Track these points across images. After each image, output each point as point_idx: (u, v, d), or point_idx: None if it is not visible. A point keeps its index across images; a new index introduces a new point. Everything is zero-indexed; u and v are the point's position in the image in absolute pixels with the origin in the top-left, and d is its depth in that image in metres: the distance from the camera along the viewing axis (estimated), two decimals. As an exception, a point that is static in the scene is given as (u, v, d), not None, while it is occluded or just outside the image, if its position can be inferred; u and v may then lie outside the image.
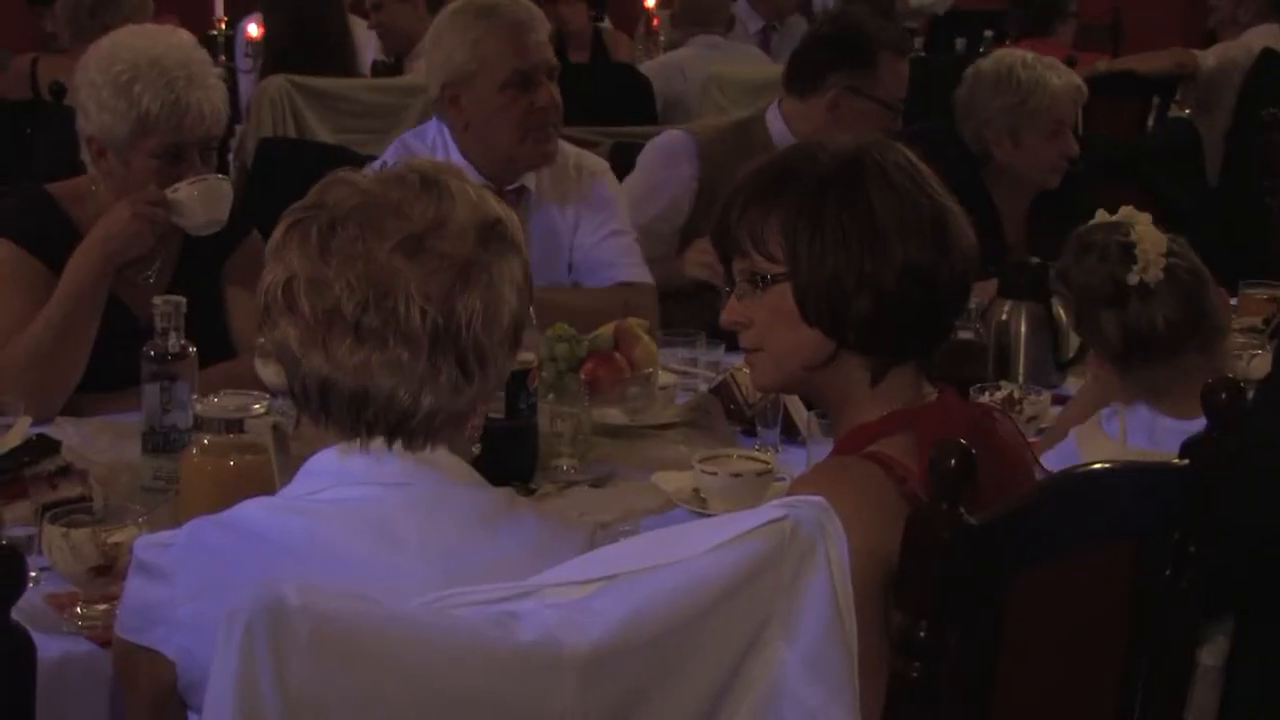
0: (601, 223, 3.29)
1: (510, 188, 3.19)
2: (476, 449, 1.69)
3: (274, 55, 5.24)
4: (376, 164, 3.03)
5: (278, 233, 1.64)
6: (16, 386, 2.51)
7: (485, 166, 3.15)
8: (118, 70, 2.67)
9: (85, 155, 2.76)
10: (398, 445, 1.61)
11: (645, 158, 3.67)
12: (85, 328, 2.66)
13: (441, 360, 1.58)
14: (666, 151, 3.63)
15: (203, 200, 2.72)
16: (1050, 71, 3.70)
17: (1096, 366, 2.52)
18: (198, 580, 1.57)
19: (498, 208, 1.66)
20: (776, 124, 3.62)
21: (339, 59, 5.20)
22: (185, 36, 2.79)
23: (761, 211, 1.91)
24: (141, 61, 2.67)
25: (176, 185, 2.71)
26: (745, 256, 1.93)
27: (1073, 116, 3.75)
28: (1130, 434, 2.38)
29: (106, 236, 2.68)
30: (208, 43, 4.52)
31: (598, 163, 3.39)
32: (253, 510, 1.61)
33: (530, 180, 3.24)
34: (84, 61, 2.75)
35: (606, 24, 7.56)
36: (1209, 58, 5.94)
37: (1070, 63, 4.30)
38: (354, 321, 1.57)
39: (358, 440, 1.61)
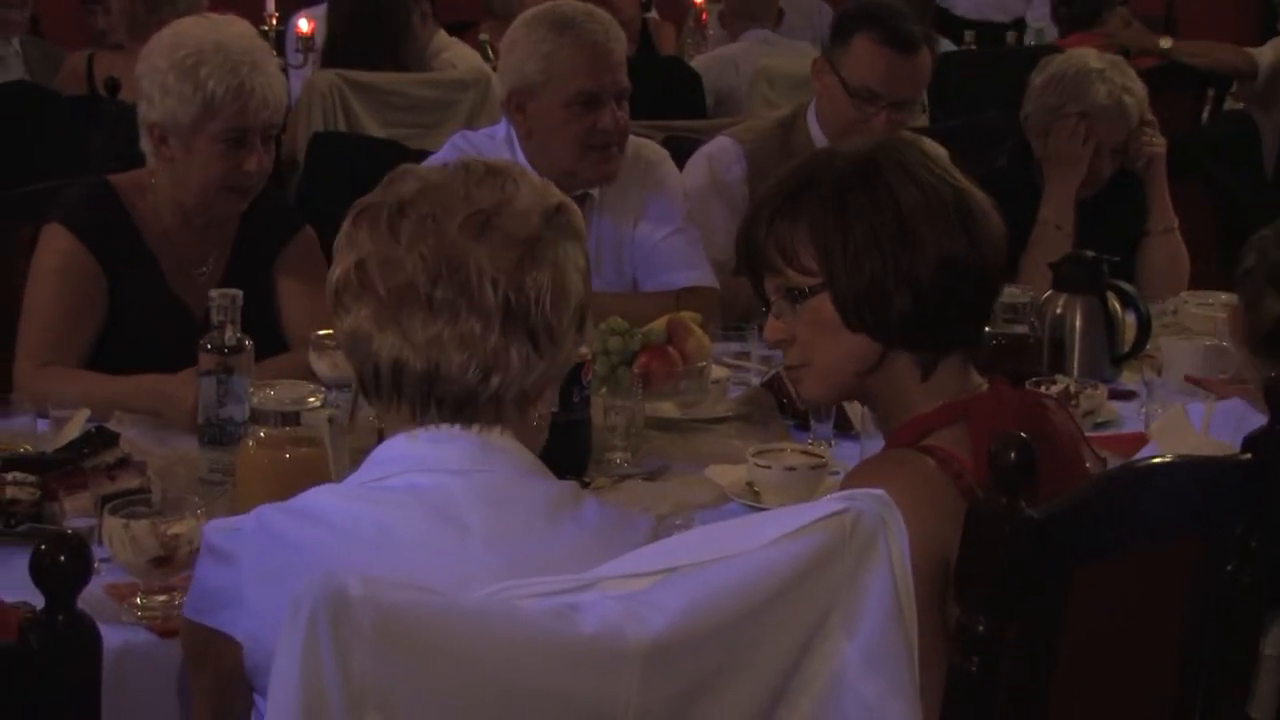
0: (663, 219, 3.26)
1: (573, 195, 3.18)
2: (544, 436, 1.69)
3: (331, 46, 5.24)
4: (435, 159, 3.03)
5: (346, 224, 1.66)
6: (27, 391, 2.51)
7: (547, 175, 3.11)
8: (183, 55, 2.69)
9: (146, 144, 2.77)
10: (461, 426, 1.61)
11: (695, 166, 3.61)
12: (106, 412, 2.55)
13: (513, 336, 1.59)
14: (715, 158, 3.57)
15: None
16: (1103, 85, 3.52)
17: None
18: (264, 564, 1.58)
19: (560, 195, 1.69)
20: (815, 119, 3.59)
21: (396, 52, 5.18)
22: (246, 25, 2.81)
23: (787, 225, 1.90)
24: (206, 46, 2.69)
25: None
26: (778, 273, 1.92)
27: (1116, 136, 3.51)
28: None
29: (164, 407, 2.54)
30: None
31: (657, 151, 3.36)
32: (321, 497, 1.62)
33: (594, 188, 3.22)
34: (147, 50, 2.76)
35: (653, 14, 7.55)
36: (1266, 53, 5.88)
37: (1124, 53, 4.24)
38: (427, 295, 1.58)
39: (426, 421, 1.62)
